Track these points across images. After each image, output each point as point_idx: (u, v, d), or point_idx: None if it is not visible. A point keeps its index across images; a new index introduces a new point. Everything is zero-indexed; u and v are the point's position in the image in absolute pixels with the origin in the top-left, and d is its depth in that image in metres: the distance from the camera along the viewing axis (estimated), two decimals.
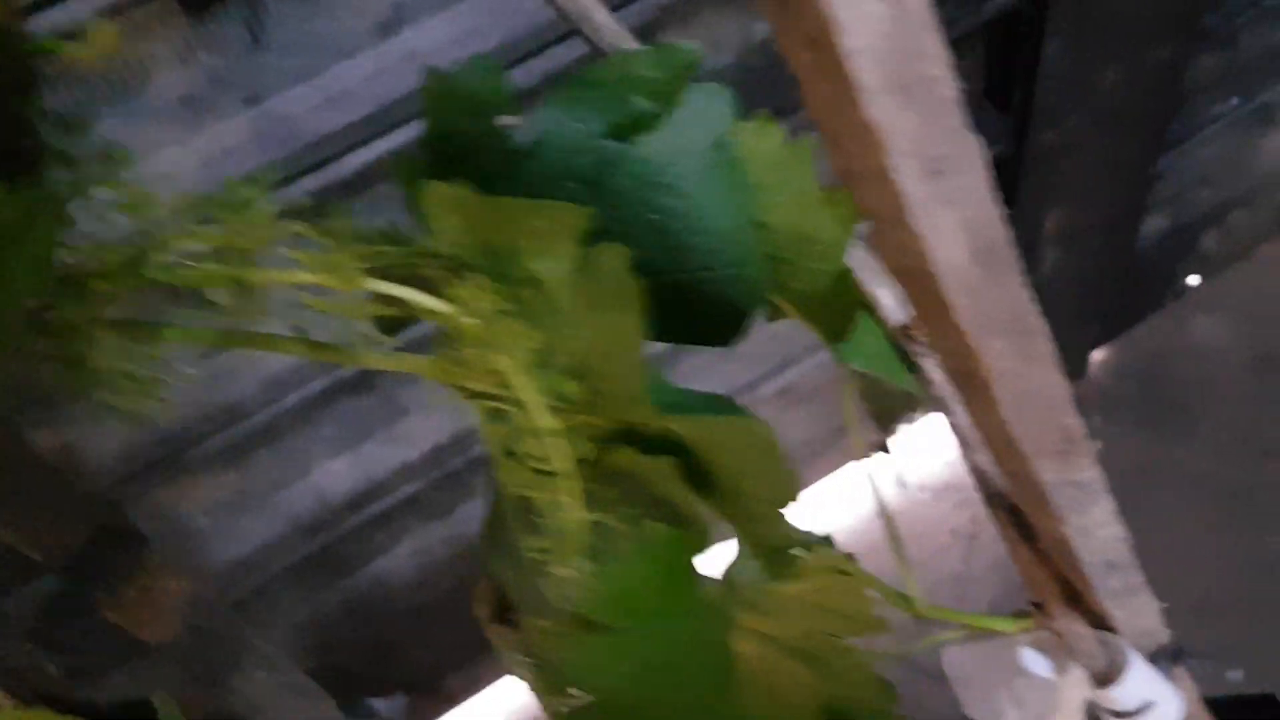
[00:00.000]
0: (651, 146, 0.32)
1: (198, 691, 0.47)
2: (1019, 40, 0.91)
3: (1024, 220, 1.06)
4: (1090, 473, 0.37)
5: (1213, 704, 0.94)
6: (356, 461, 0.86)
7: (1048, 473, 0.36)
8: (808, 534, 0.34)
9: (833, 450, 1.26)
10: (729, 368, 1.08)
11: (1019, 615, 0.45)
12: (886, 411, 0.42)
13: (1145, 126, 1.05)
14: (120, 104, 0.60)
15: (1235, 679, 1.19)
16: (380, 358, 0.29)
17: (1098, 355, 1.38)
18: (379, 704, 0.78)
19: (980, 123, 0.91)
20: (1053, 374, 0.32)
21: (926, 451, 1.36)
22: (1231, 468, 1.30)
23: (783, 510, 0.30)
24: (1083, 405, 1.18)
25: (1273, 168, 1.30)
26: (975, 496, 1.29)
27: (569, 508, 0.30)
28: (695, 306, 0.35)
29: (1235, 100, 1.15)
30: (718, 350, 0.78)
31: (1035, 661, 0.45)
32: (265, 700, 0.49)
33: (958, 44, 0.91)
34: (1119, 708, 0.44)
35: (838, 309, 0.38)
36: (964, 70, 0.91)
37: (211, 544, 0.83)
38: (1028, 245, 1.09)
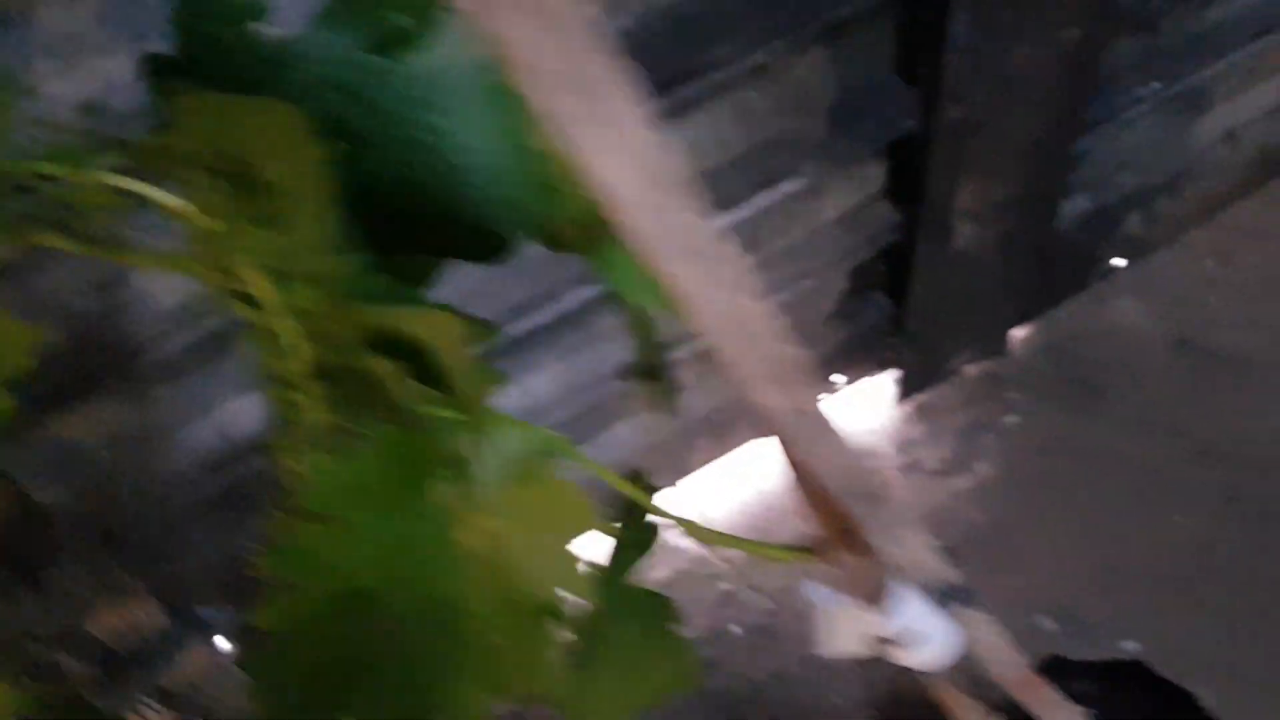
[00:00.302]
0: (416, 65, 0.34)
1: (15, 585, 0.49)
2: (926, 14, 0.93)
3: (936, 195, 1.08)
4: (815, 404, 0.39)
5: (1082, 667, 0.98)
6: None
7: (769, 399, 0.38)
8: (535, 430, 0.36)
9: (747, 417, 1.28)
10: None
11: (801, 547, 0.48)
12: (650, 356, 0.45)
13: (1059, 106, 1.07)
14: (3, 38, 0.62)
15: (1131, 649, 1.22)
16: (129, 252, 0.31)
17: (1019, 333, 1.41)
18: (207, 611, 0.81)
19: (889, 97, 0.93)
20: (749, 301, 0.34)
21: (850, 418, 1.39)
22: (1142, 446, 1.33)
23: (485, 399, 0.32)
24: (1001, 381, 1.21)
25: (1198, 155, 1.33)
26: (889, 464, 1.31)
27: (305, 407, 0.32)
28: (461, 224, 0.37)
29: (1156, 85, 1.17)
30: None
31: (817, 592, 0.48)
32: (83, 596, 0.52)
33: (866, 16, 0.93)
34: (886, 635, 0.47)
35: (605, 239, 0.40)
36: (872, 44, 0.93)
37: (114, 477, 0.85)
38: (941, 220, 1.12)
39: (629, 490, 0.47)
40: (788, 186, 1.01)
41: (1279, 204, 1.46)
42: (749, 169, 0.98)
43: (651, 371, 0.44)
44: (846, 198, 1.09)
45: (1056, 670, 0.98)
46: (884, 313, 1.26)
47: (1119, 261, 1.39)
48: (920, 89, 0.99)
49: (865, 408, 1.39)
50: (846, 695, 1.23)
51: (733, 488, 1.37)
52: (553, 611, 0.35)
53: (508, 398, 1.06)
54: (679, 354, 1.14)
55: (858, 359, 1.31)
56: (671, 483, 1.30)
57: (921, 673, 0.51)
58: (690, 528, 0.47)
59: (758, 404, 0.37)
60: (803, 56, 0.93)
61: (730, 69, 0.88)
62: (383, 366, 0.32)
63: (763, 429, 0.42)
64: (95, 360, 0.78)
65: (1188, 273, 1.42)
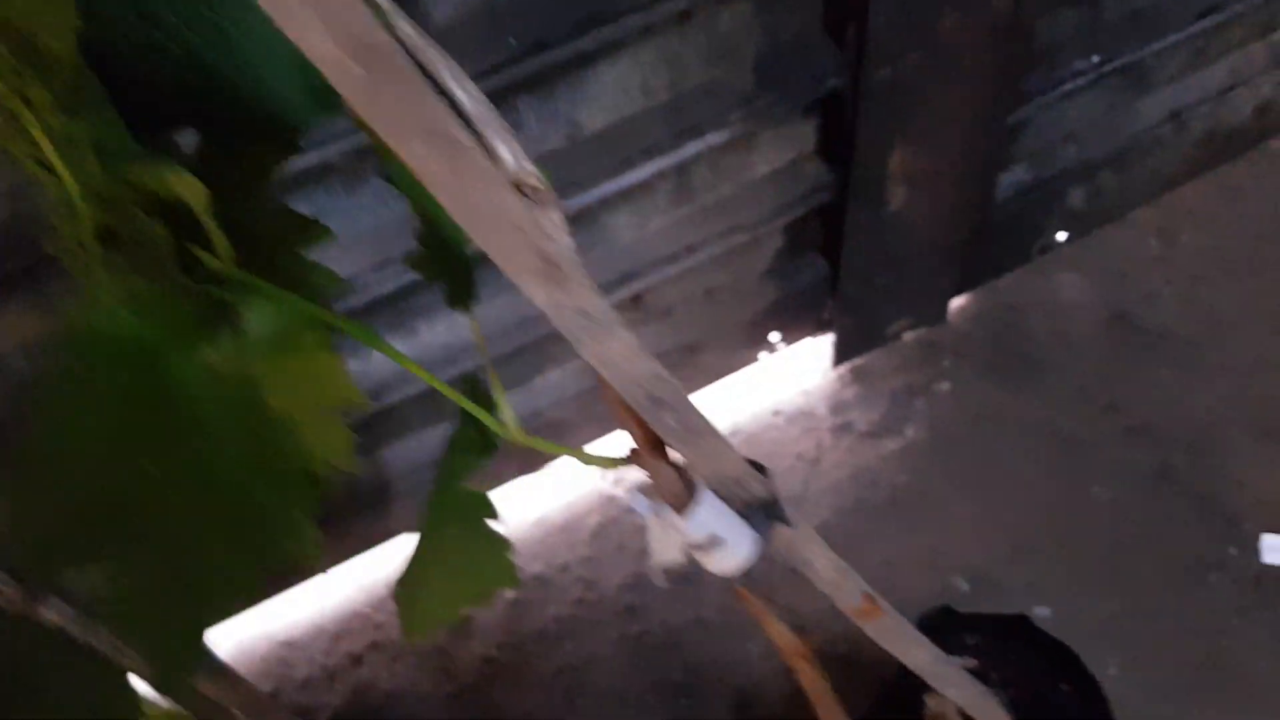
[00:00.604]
0: None
1: None
2: None
3: (866, 157, 1.10)
4: (595, 302, 0.40)
5: (970, 619, 1.00)
6: None
7: (539, 295, 0.39)
8: (302, 303, 0.37)
9: (683, 370, 1.31)
10: None
11: (622, 457, 0.50)
12: (435, 250, 0.46)
13: (992, 75, 1.08)
14: None
15: (1043, 614, 1.25)
16: None
17: (958, 302, 1.43)
18: None
19: (817, 54, 0.94)
20: (496, 192, 0.35)
21: (787, 378, 1.41)
22: (1072, 420, 1.35)
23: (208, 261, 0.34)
24: (937, 349, 1.23)
25: (1142, 133, 1.34)
26: (822, 424, 1.35)
27: (89, 269, 0.34)
28: (250, 111, 0.39)
29: (1096, 58, 1.18)
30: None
31: (638, 500, 0.50)
32: None
33: None
34: (689, 539, 0.49)
35: None
36: (807, 6, 0.94)
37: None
38: (873, 182, 1.13)
39: (453, 395, 0.50)
40: (714, 138, 1.03)
41: (1226, 187, 1.47)
42: (675, 117, 1.00)
43: (441, 267, 0.46)
44: (778, 153, 1.11)
45: (946, 621, 1.01)
46: (820, 274, 1.28)
47: (1061, 235, 1.41)
48: (847, 48, 1.00)
49: (802, 368, 1.41)
50: (761, 643, 1.26)
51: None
52: (313, 480, 0.37)
53: (434, 334, 1.08)
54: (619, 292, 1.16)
55: (795, 319, 1.33)
56: (603, 433, 1.32)
57: (729, 578, 0.53)
58: (523, 438, 0.49)
59: (534, 298, 0.38)
60: (728, 6, 0.94)
61: (653, 13, 0.90)
62: (156, 229, 0.34)
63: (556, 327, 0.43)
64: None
65: (1130, 249, 1.44)
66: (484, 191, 0.36)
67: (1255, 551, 1.25)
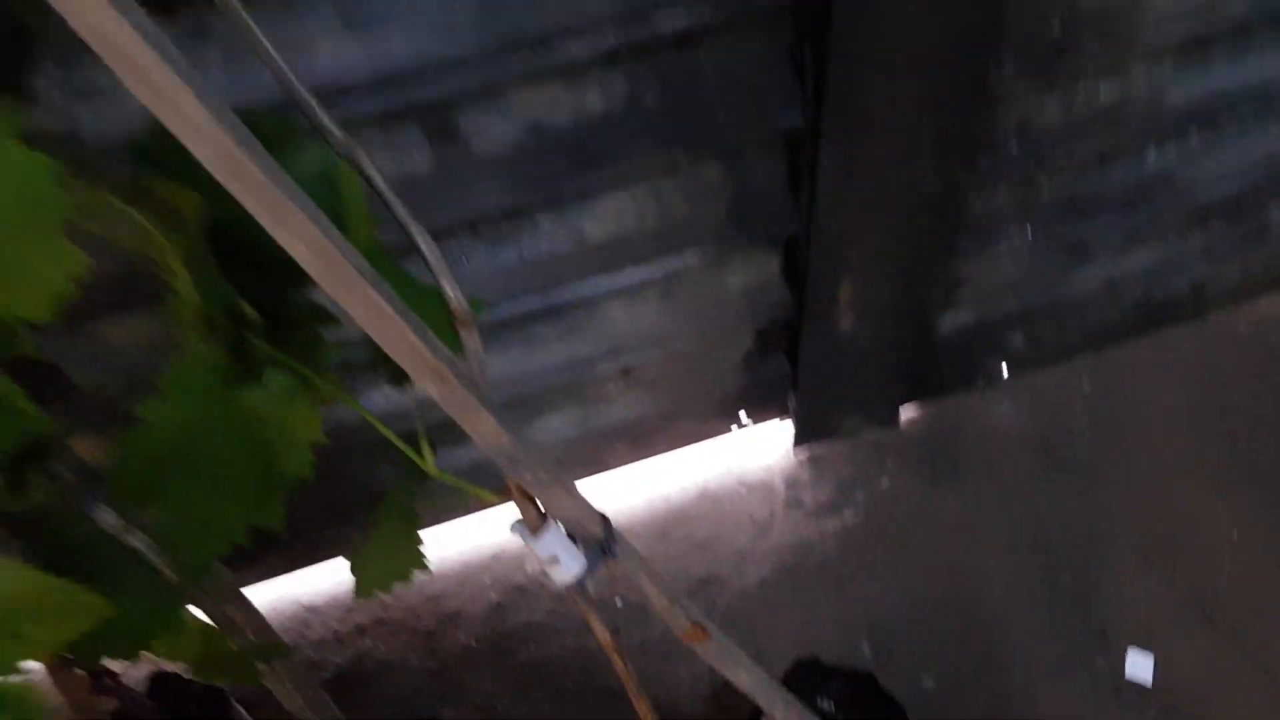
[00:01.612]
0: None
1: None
2: (807, 150, 1.20)
3: (818, 288, 1.36)
4: (465, 396, 0.67)
5: (829, 670, 1.24)
6: None
7: (430, 388, 0.66)
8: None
9: (662, 433, 1.57)
10: (575, 344, 1.40)
11: (504, 494, 0.76)
12: None
13: (926, 236, 1.33)
14: None
15: (928, 687, 1.48)
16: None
17: (909, 410, 1.67)
18: None
19: (779, 204, 1.21)
20: (381, 301, 0.63)
21: (752, 452, 1.67)
22: (983, 526, 1.58)
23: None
24: (884, 449, 1.51)
25: (1079, 295, 1.57)
26: (777, 496, 1.63)
27: (190, 336, 0.63)
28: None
29: (1029, 230, 1.42)
30: (565, 325, 1.13)
31: (517, 528, 0.77)
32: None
33: (761, 145, 1.21)
34: (538, 556, 0.76)
35: None
36: (766, 164, 1.21)
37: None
38: (825, 309, 1.39)
39: (390, 436, 0.77)
40: (693, 258, 1.30)
41: (1164, 349, 1.69)
42: (661, 238, 1.27)
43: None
44: (747, 274, 1.37)
45: (812, 669, 1.25)
46: (784, 371, 1.54)
47: (1003, 370, 1.64)
48: (803, 203, 1.27)
49: (765, 447, 1.67)
50: (692, 667, 1.51)
51: (643, 489, 1.66)
52: (282, 480, 0.65)
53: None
54: (609, 364, 1.44)
55: (761, 404, 1.59)
56: (590, 474, 1.59)
57: (568, 587, 0.79)
58: (437, 474, 0.77)
59: (422, 389, 0.66)
60: (708, 162, 1.21)
61: (647, 162, 1.17)
62: (227, 322, 0.63)
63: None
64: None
65: (1063, 388, 1.66)
66: (368, 300, 0.64)
67: (1120, 665, 1.46)
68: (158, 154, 0.60)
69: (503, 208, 1.16)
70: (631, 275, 1.30)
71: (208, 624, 0.92)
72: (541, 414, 1.48)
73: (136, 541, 0.70)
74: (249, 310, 0.61)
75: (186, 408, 0.62)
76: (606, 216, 1.24)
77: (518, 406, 1.44)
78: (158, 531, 0.66)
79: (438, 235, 1.14)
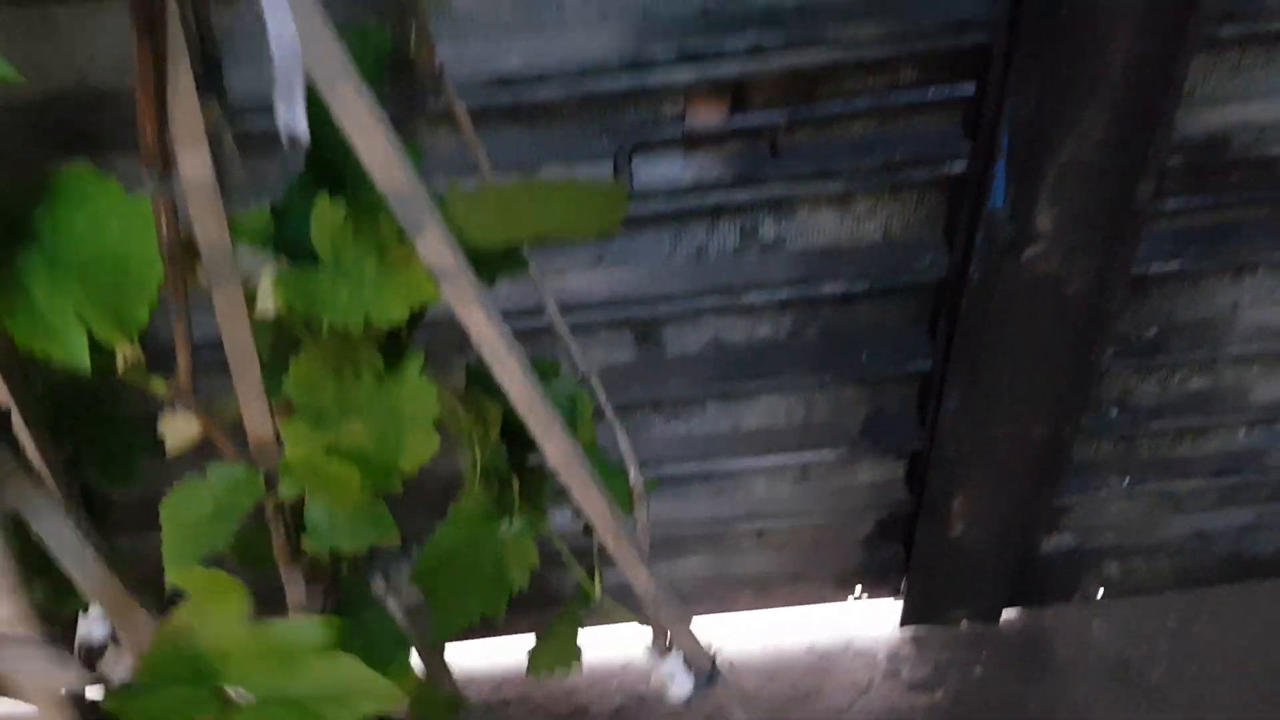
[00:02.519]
0: None
1: None
2: (933, 389, 1.49)
3: (934, 498, 1.62)
4: (642, 574, 0.99)
5: None
6: None
7: (636, 579, 0.98)
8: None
9: (784, 590, 1.84)
10: (721, 505, 1.70)
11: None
12: None
13: (1031, 475, 1.58)
14: None
15: None
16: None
17: (1009, 613, 1.88)
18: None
19: (907, 424, 1.50)
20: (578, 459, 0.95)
21: (863, 621, 1.91)
22: None
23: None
24: (983, 640, 1.80)
25: (1171, 540, 1.76)
26: (878, 667, 1.94)
27: (473, 479, 0.97)
28: None
29: (1126, 480, 1.64)
30: (714, 488, 1.48)
31: (649, 651, 1.06)
32: None
33: (896, 381, 1.50)
34: (659, 672, 1.05)
35: None
36: (899, 390, 1.50)
37: None
38: (939, 516, 1.64)
39: (573, 566, 1.09)
40: (828, 455, 1.59)
41: (1247, 598, 1.85)
42: (804, 434, 1.57)
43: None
44: (874, 474, 1.65)
45: None
46: (899, 558, 1.79)
47: (1098, 591, 1.84)
48: (927, 428, 1.54)
49: (874, 619, 1.91)
50: None
51: (760, 634, 1.93)
52: (510, 583, 0.97)
53: None
54: (747, 525, 1.73)
55: (875, 582, 1.84)
56: (717, 612, 1.88)
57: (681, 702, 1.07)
58: (598, 601, 1.08)
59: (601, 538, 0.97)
60: (850, 387, 1.51)
61: (800, 378, 1.48)
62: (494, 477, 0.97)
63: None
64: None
65: (1151, 618, 1.84)
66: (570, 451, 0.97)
67: None
68: (481, 378, 0.95)
69: (682, 395, 1.49)
70: (776, 459, 1.60)
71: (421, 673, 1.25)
72: (683, 555, 1.78)
73: (394, 606, 1.05)
74: (511, 473, 0.95)
75: (462, 531, 0.96)
76: (762, 412, 1.55)
77: (665, 545, 1.74)
78: (417, 605, 1.00)
79: (629, 408, 1.49)
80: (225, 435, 0.85)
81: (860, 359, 1.44)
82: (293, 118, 0.52)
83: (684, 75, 1.09)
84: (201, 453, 0.83)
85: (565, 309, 1.15)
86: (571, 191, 0.71)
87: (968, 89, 1.13)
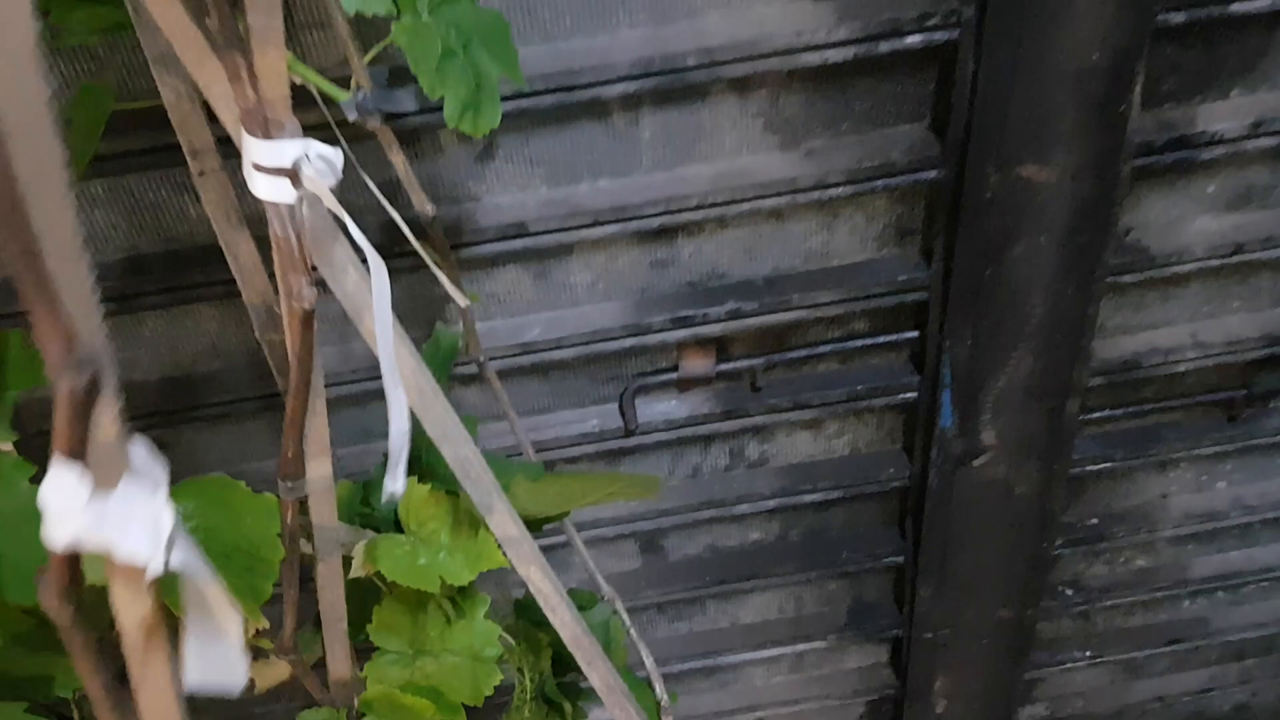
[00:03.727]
0: None
1: None
2: (908, 576, 1.66)
3: (917, 681, 1.76)
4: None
5: None
6: None
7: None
8: None
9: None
10: (723, 697, 1.83)
11: None
12: None
13: (1000, 653, 1.74)
14: None
15: None
16: None
17: None
18: None
19: (886, 613, 1.68)
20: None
21: None
22: None
23: None
24: None
25: (1139, 704, 1.91)
26: None
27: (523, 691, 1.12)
28: None
29: (1087, 653, 1.80)
30: (716, 681, 1.64)
31: None
32: None
33: (874, 574, 1.67)
34: None
35: None
36: (881, 589, 1.67)
37: None
38: (922, 693, 1.79)
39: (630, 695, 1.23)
40: (819, 643, 1.74)
41: None
42: (795, 627, 1.72)
43: None
44: (861, 660, 1.80)
45: None
46: None
47: None
48: (904, 616, 1.71)
49: None
50: None
51: None
52: None
53: None
54: (748, 715, 1.85)
55: None
56: None
57: None
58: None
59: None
60: (834, 581, 1.68)
61: (789, 575, 1.65)
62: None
63: None
64: None
65: None
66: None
67: None
68: (529, 613, 1.11)
69: (683, 597, 1.65)
70: (771, 651, 1.75)
71: None
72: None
73: None
74: (558, 694, 1.10)
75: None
76: (757, 608, 1.71)
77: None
78: None
79: (636, 610, 1.64)
80: (309, 676, 1.01)
81: (840, 556, 1.61)
82: (396, 488, 0.71)
83: (676, 335, 1.30)
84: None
85: (579, 525, 1.32)
86: (615, 479, 0.90)
87: (913, 334, 1.35)
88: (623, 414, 1.39)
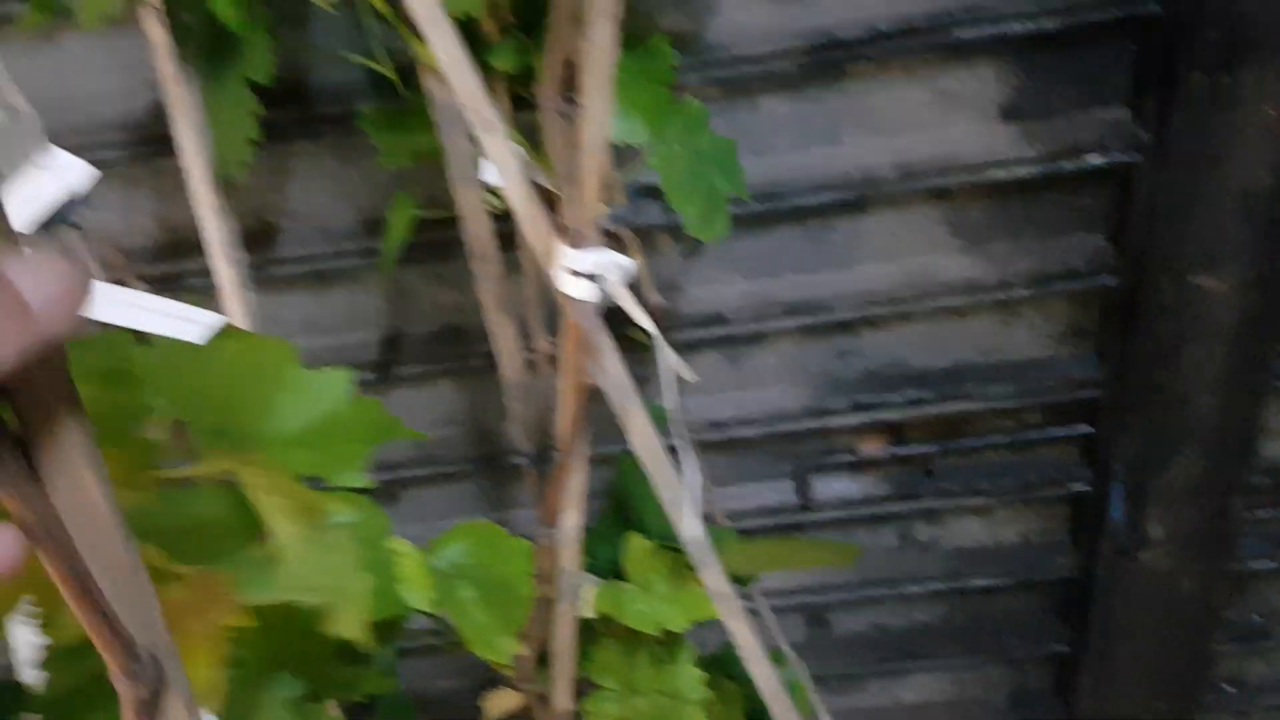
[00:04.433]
0: None
1: None
2: (1066, 674, 1.70)
3: None
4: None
5: None
6: None
7: None
8: None
9: None
10: None
11: None
12: None
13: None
14: None
15: None
16: None
17: None
18: None
19: (1051, 706, 1.72)
20: None
21: None
22: None
23: None
24: None
25: None
26: None
27: None
28: None
29: None
30: None
31: None
32: None
33: (1036, 663, 1.72)
34: None
35: None
36: (1042, 678, 1.72)
37: None
38: None
39: None
40: None
41: None
42: (957, 710, 1.78)
43: None
44: None
45: None
46: None
47: None
48: (1065, 704, 1.74)
49: None
50: None
51: None
52: None
53: None
54: None
55: None
56: None
57: None
58: None
59: None
60: (995, 668, 1.73)
61: (951, 659, 1.71)
62: None
63: None
64: None
65: None
66: None
67: None
68: (722, 665, 1.22)
69: (846, 672, 1.73)
70: None
71: None
72: None
73: None
74: None
75: None
76: (918, 689, 1.77)
77: None
78: None
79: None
80: (540, 707, 1.14)
81: (1004, 643, 1.67)
82: (695, 532, 0.85)
83: (854, 419, 1.42)
84: None
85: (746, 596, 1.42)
86: (817, 545, 1.02)
87: (1085, 429, 1.43)
88: (799, 490, 1.50)
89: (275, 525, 0.65)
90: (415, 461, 1.42)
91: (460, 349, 1.34)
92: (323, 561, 0.67)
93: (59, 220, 0.88)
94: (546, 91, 0.69)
